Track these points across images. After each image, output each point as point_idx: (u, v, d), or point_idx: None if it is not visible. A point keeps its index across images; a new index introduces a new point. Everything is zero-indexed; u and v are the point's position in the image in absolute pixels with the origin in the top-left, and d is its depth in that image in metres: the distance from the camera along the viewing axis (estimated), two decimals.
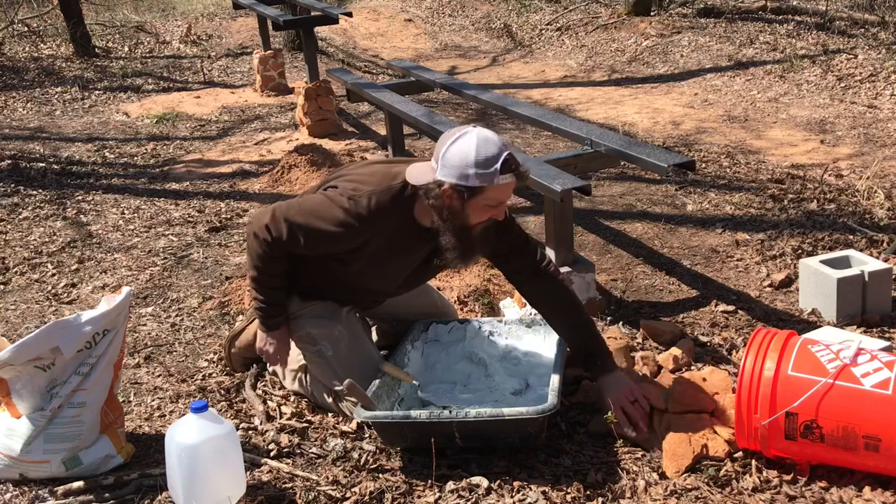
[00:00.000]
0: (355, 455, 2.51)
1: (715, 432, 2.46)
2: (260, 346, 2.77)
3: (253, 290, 2.71)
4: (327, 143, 6.37)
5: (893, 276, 3.37)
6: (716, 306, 3.47)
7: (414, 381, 2.71)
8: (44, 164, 6.16)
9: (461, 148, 2.36)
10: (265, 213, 2.60)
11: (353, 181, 2.55)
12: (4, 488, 2.42)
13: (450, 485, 2.33)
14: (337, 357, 2.69)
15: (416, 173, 2.47)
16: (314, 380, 2.78)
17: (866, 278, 3.24)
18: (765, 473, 2.34)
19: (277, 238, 2.55)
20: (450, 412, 2.43)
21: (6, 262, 4.37)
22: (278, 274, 2.65)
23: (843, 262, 3.37)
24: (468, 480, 2.34)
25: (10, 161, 6.13)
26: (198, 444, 2.16)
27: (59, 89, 8.85)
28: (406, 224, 2.53)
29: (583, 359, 2.68)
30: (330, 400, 2.73)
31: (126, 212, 5.11)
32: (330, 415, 2.76)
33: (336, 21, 6.96)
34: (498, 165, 2.34)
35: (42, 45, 10.80)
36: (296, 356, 2.87)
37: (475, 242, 2.51)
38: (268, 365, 3.00)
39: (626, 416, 2.53)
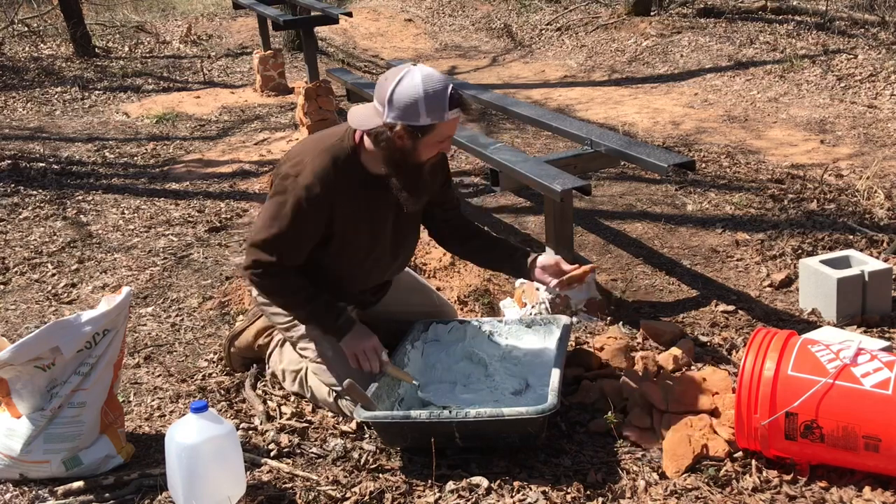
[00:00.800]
0: (355, 455, 2.51)
1: (715, 432, 2.46)
2: (352, 358, 2.65)
3: (301, 318, 2.66)
4: None
5: (893, 276, 3.37)
6: (716, 306, 3.47)
7: (414, 382, 2.71)
8: (44, 164, 6.16)
9: (408, 88, 2.35)
10: (250, 254, 2.57)
11: (291, 159, 2.56)
12: (4, 488, 2.42)
13: (450, 485, 2.33)
14: (337, 357, 2.69)
15: (361, 118, 2.47)
16: (314, 380, 2.78)
17: (866, 278, 3.24)
18: (765, 473, 2.34)
19: (267, 264, 2.53)
20: (450, 412, 2.43)
21: (6, 262, 4.37)
22: (301, 286, 2.60)
23: (843, 262, 3.37)
24: (468, 480, 2.34)
25: (10, 161, 6.13)
26: (198, 444, 2.16)
27: (59, 89, 8.85)
28: (357, 177, 2.54)
29: (514, 268, 2.82)
30: (331, 399, 2.73)
31: (126, 212, 5.11)
32: (330, 414, 2.76)
33: (336, 21, 6.96)
34: (446, 102, 2.37)
35: (42, 45, 10.80)
36: (296, 358, 2.87)
37: (426, 179, 2.56)
38: (267, 366, 3.01)
39: (565, 272, 2.70)
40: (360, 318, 2.77)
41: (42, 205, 5.27)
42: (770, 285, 3.65)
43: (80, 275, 4.18)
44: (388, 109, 2.38)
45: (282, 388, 2.93)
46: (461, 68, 9.50)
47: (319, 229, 2.55)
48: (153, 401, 2.91)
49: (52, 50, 10.55)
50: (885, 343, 2.76)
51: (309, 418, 2.75)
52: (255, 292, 2.94)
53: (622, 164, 4.34)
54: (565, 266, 2.71)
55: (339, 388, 2.66)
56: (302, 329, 2.76)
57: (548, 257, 2.76)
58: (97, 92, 8.80)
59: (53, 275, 4.19)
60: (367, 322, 2.82)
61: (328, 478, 2.41)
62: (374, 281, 2.85)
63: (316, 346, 2.73)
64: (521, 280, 3.47)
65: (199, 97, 8.47)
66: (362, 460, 2.48)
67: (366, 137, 2.52)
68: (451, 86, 2.39)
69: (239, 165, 6.07)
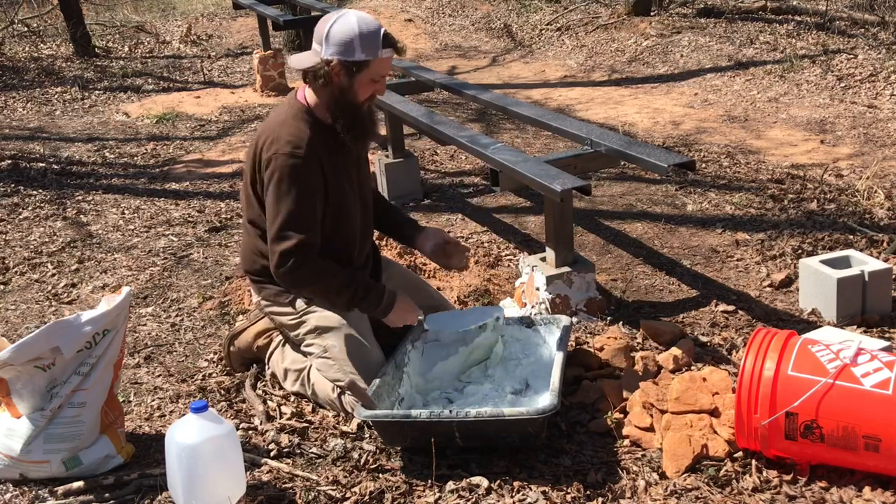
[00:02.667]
0: (355, 455, 2.51)
1: (715, 432, 2.46)
2: (403, 321, 2.72)
3: (344, 302, 2.67)
4: None
5: (893, 276, 3.37)
6: (716, 306, 3.47)
7: (420, 317, 2.75)
8: (44, 164, 6.16)
9: (344, 26, 2.51)
10: (274, 251, 2.59)
11: (261, 148, 2.61)
12: (4, 488, 2.42)
13: (450, 485, 2.33)
14: (343, 352, 2.70)
15: (301, 59, 2.61)
16: (318, 377, 2.79)
17: (866, 278, 3.24)
18: (765, 473, 2.34)
19: (295, 249, 2.55)
20: (450, 412, 2.43)
21: (6, 262, 4.37)
22: (336, 269, 2.65)
23: (843, 262, 3.37)
24: (468, 480, 2.34)
25: (10, 161, 6.13)
26: (198, 444, 2.16)
27: (59, 89, 8.85)
28: (322, 131, 2.63)
29: (401, 233, 3.01)
30: (334, 395, 2.74)
31: (126, 212, 5.11)
32: (330, 414, 2.76)
33: None
34: (380, 40, 2.54)
35: (42, 45, 10.80)
36: (300, 357, 2.87)
37: (367, 121, 2.67)
38: (266, 367, 3.01)
39: (450, 250, 2.89)
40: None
41: (42, 205, 5.27)
42: (770, 285, 3.65)
43: (80, 275, 4.18)
44: (325, 46, 2.53)
45: (282, 388, 2.93)
46: (461, 68, 9.49)
47: (321, 190, 2.62)
48: (153, 401, 2.91)
49: (52, 50, 10.55)
50: (885, 343, 2.76)
51: (309, 418, 2.76)
52: (254, 298, 2.95)
53: (622, 164, 4.33)
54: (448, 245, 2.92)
55: (343, 384, 2.67)
56: (307, 327, 2.77)
57: (435, 237, 2.91)
58: (97, 92, 8.80)
59: (53, 275, 4.19)
60: (370, 321, 2.83)
61: (328, 478, 2.41)
62: (367, 248, 2.91)
63: (323, 341, 2.74)
64: (521, 280, 3.48)
65: (199, 97, 8.47)
66: (362, 460, 2.48)
67: (308, 92, 2.65)
68: (383, 28, 2.56)
69: (239, 165, 6.06)
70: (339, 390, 2.72)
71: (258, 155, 2.64)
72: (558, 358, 2.64)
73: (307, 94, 2.68)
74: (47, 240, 4.69)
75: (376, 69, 2.57)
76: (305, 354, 2.84)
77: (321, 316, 2.76)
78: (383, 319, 2.72)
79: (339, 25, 2.52)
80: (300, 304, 2.79)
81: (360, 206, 2.81)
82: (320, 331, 2.75)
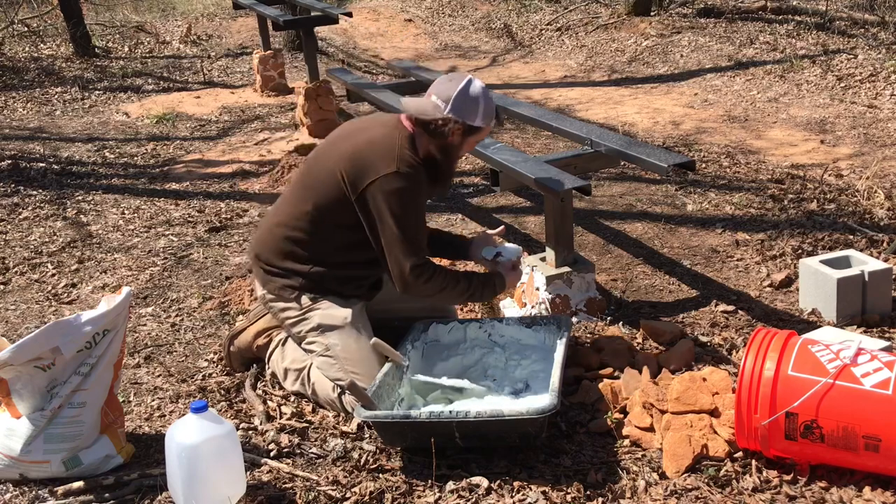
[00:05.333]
0: (355, 455, 2.51)
1: (715, 432, 2.46)
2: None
3: (477, 293, 2.84)
4: None
5: (893, 276, 3.37)
6: (716, 306, 3.47)
7: (405, 363, 2.74)
8: (44, 164, 6.16)
9: (472, 93, 2.68)
10: (403, 269, 2.67)
11: (367, 171, 2.65)
12: (4, 488, 2.42)
13: (450, 485, 2.33)
14: (345, 351, 2.71)
15: (421, 107, 2.71)
16: (318, 375, 2.79)
17: (866, 278, 3.24)
18: (765, 473, 2.34)
19: (424, 264, 2.68)
20: (450, 412, 2.43)
21: (6, 262, 4.37)
22: (450, 270, 2.80)
23: (843, 262, 3.37)
24: (468, 480, 2.34)
25: (10, 161, 6.13)
26: (198, 444, 2.16)
27: (59, 89, 8.85)
28: (419, 160, 2.73)
29: (454, 250, 3.09)
30: (335, 395, 2.74)
31: (126, 212, 5.11)
32: (330, 415, 2.77)
33: (336, 21, 6.95)
34: (494, 111, 2.75)
35: (42, 45, 10.80)
36: (300, 356, 2.87)
37: (454, 173, 2.93)
38: (266, 367, 3.01)
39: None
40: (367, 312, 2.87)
41: (42, 205, 5.27)
42: (770, 285, 3.65)
43: (80, 275, 4.18)
44: (450, 106, 2.66)
45: (282, 388, 2.93)
46: (461, 68, 9.49)
47: (426, 199, 2.81)
48: (153, 401, 2.91)
49: (52, 50, 10.55)
50: (885, 343, 2.76)
51: (309, 418, 2.76)
52: (259, 291, 2.94)
53: (622, 164, 4.34)
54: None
55: (343, 384, 2.67)
56: (311, 324, 2.78)
57: (480, 238, 3.03)
58: (97, 92, 8.80)
59: (53, 275, 4.19)
60: (371, 321, 2.83)
61: (328, 478, 2.41)
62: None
63: (325, 339, 2.75)
64: (522, 280, 3.48)
65: (199, 97, 8.47)
66: (362, 460, 2.48)
67: (413, 128, 2.75)
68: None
69: (239, 165, 6.07)
70: (339, 390, 2.72)
71: (360, 168, 2.66)
72: (558, 358, 2.64)
73: (413, 129, 2.75)
74: (47, 240, 4.69)
75: (482, 135, 2.78)
76: (307, 352, 2.84)
77: (325, 314, 2.76)
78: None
79: (467, 90, 2.66)
80: (305, 300, 2.79)
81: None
82: (323, 329, 2.76)
